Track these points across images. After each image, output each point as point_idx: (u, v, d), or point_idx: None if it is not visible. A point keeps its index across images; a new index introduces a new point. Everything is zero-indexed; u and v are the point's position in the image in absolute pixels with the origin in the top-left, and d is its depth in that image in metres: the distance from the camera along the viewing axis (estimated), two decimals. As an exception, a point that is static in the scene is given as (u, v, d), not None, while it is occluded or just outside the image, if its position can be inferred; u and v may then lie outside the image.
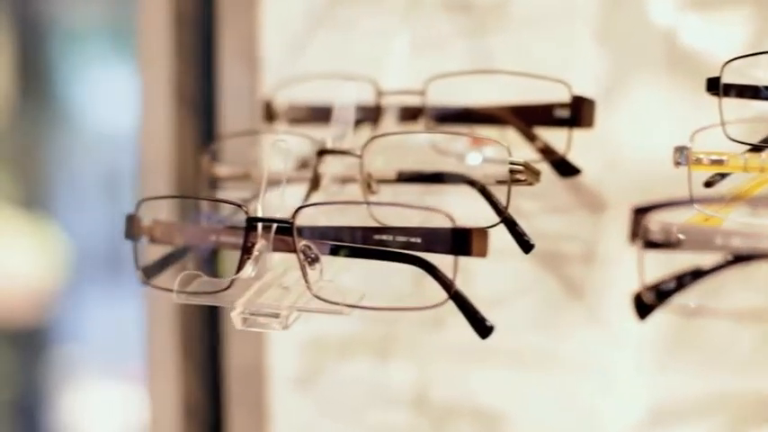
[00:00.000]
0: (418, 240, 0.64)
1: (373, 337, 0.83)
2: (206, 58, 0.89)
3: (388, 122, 0.75)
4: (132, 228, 0.71)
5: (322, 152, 0.70)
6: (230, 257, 0.77)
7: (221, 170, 0.78)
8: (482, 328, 0.63)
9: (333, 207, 0.71)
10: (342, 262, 0.68)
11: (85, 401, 2.46)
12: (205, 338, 0.91)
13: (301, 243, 0.65)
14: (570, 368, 0.77)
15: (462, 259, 0.65)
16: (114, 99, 2.39)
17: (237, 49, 0.86)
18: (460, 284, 0.63)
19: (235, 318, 0.66)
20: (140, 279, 0.72)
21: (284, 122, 0.80)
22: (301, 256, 0.64)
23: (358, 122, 0.75)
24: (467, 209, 0.73)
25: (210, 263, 0.75)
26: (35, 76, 2.52)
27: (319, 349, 0.85)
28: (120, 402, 2.47)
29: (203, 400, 0.91)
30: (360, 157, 0.69)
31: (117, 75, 2.43)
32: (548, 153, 0.72)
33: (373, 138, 0.70)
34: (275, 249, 0.66)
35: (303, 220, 0.66)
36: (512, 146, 0.71)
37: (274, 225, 0.65)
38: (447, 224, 0.63)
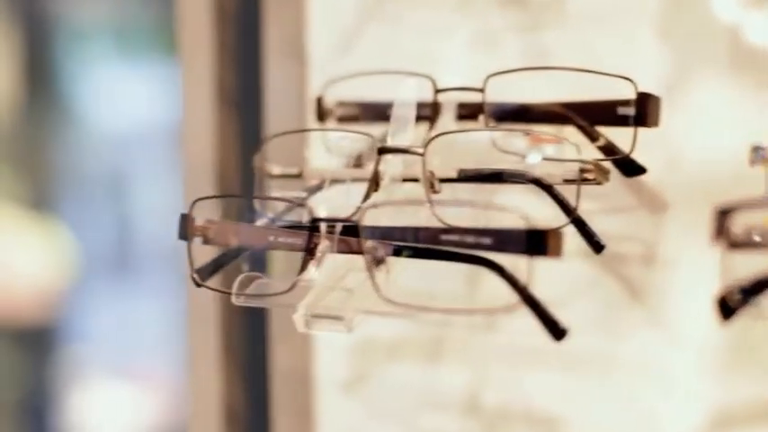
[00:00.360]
0: (488, 241, 0.62)
1: (423, 340, 0.81)
2: (250, 54, 0.87)
3: (446, 120, 0.74)
4: (186, 228, 0.70)
5: (383, 150, 0.69)
6: (281, 258, 0.76)
7: (274, 169, 0.76)
8: (556, 330, 0.61)
9: (392, 207, 0.69)
10: (401, 263, 0.66)
11: (93, 401, 2.44)
12: (247, 341, 0.89)
13: (368, 244, 0.63)
14: (629, 371, 0.76)
15: (519, 260, 0.64)
16: (121, 98, 2.37)
17: (283, 45, 0.84)
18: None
19: (297, 320, 0.64)
20: (194, 281, 0.70)
21: (333, 120, 0.79)
22: (368, 258, 0.63)
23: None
24: (523, 207, 0.72)
25: (260, 264, 0.74)
26: (41, 75, 2.50)
27: (367, 352, 0.83)
28: (128, 402, 2.45)
29: (245, 403, 0.89)
30: (422, 155, 0.67)
31: (124, 74, 2.41)
32: (610, 152, 0.71)
33: (437, 135, 0.68)
34: (339, 251, 0.64)
35: (364, 220, 0.65)
36: (568, 144, 0.70)
37: (339, 225, 0.64)
38: (512, 224, 0.62)
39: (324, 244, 0.64)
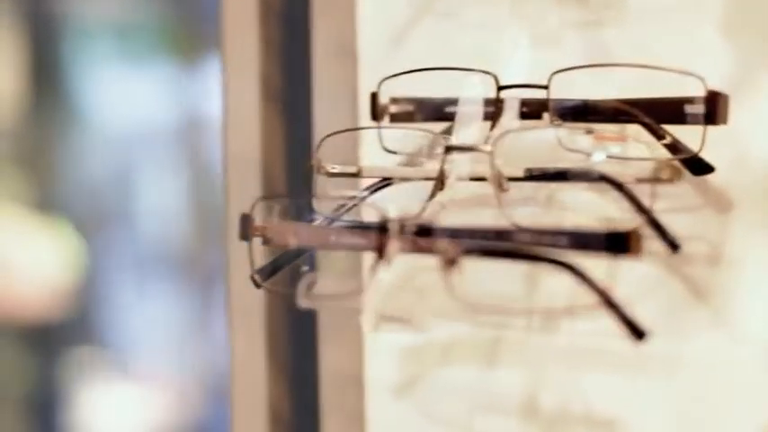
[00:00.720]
0: (565, 241, 0.61)
1: (478, 341, 0.80)
2: (296, 51, 0.85)
3: (508, 118, 0.72)
4: (246, 228, 0.68)
5: (450, 149, 0.67)
6: (332, 258, 0.74)
7: (331, 167, 0.75)
8: (637, 332, 0.60)
9: (458, 207, 0.68)
10: (468, 264, 0.65)
11: (101, 401, 2.43)
12: (293, 342, 0.87)
13: (441, 244, 0.62)
14: (694, 371, 0.74)
15: (583, 260, 0.62)
16: (127, 98, 2.36)
17: (331, 40, 0.83)
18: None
19: (365, 322, 0.63)
20: (254, 281, 0.69)
21: (387, 118, 0.77)
22: (441, 258, 0.61)
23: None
24: (584, 206, 0.71)
25: (310, 265, 0.72)
26: (47, 75, 2.48)
27: (420, 353, 0.82)
28: (134, 403, 2.44)
29: (291, 408, 0.87)
30: (490, 153, 0.66)
31: (130, 73, 2.40)
32: (677, 150, 0.70)
33: (505, 133, 0.67)
34: (411, 251, 0.63)
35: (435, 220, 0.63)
36: (633, 142, 0.68)
37: (411, 225, 0.62)
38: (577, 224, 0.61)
39: (394, 244, 0.63)
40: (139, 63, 2.49)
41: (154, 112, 2.43)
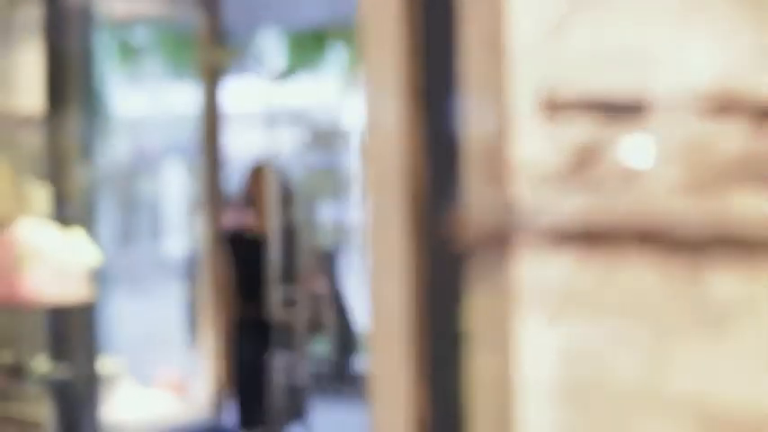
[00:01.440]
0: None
1: (641, 346, 0.77)
2: (443, 49, 0.82)
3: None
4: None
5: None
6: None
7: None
8: None
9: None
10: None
11: (123, 407, 2.43)
12: (439, 346, 0.84)
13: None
14: None
15: None
16: (161, 102, 2.35)
17: (481, 37, 0.80)
18: None
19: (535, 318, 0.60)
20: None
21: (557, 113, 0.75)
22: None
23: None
24: None
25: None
26: (71, 81, 2.49)
27: (578, 356, 0.79)
28: (153, 407, 2.46)
29: (437, 415, 0.84)
30: None
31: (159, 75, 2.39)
32: None
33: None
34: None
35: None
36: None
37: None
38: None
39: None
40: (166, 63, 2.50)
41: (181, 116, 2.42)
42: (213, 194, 4.53)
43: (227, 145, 4.47)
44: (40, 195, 2.91)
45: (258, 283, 3.46)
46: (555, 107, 0.75)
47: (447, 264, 0.79)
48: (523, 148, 0.77)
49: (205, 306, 4.14)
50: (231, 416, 3.49)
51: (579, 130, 0.73)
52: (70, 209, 3.08)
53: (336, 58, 7.53)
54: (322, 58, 7.44)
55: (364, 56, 0.83)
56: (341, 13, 5.56)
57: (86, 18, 3.54)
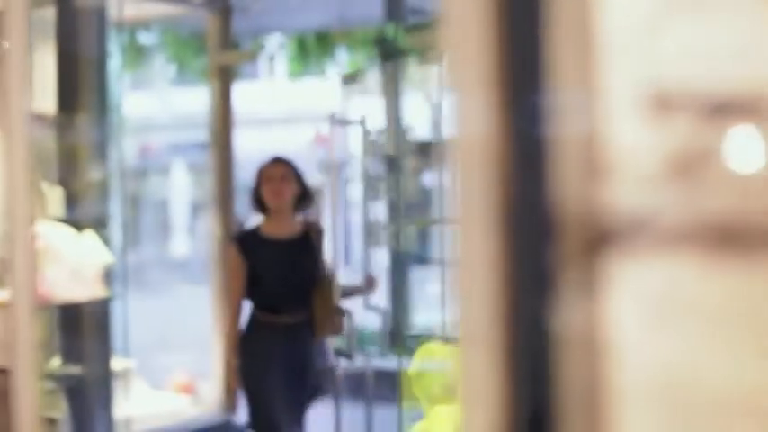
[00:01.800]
0: None
1: (743, 352, 0.76)
2: (530, 47, 0.81)
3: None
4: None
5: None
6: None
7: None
8: None
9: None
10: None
11: (135, 406, 2.42)
12: (529, 347, 0.82)
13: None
14: None
15: None
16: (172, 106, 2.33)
17: (570, 33, 0.78)
18: None
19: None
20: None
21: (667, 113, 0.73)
22: None
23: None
24: None
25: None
26: (83, 83, 2.49)
27: (675, 357, 0.77)
28: (166, 408, 2.44)
29: (526, 421, 0.82)
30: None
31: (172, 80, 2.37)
32: None
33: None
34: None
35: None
36: None
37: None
38: None
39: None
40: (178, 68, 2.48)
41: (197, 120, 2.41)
42: (223, 195, 4.52)
43: (238, 146, 4.45)
44: (54, 196, 2.90)
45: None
46: (664, 105, 0.73)
47: (540, 266, 0.78)
48: (623, 148, 0.75)
49: (216, 306, 4.14)
50: (242, 416, 3.47)
51: (685, 129, 0.71)
52: (82, 210, 3.08)
53: (342, 60, 7.52)
54: (328, 61, 7.42)
55: (448, 54, 0.82)
56: (348, 16, 5.56)
57: (98, 20, 3.54)
